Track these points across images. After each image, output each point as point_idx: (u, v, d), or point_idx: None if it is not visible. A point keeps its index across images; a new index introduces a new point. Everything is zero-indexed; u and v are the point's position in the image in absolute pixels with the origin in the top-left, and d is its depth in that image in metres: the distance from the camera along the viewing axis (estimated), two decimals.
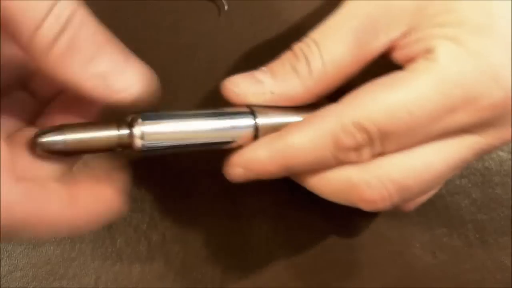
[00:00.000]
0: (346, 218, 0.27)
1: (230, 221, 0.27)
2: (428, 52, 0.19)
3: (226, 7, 0.26)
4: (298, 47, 0.21)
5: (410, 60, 0.20)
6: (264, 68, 0.21)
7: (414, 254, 0.26)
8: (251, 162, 0.21)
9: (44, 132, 0.17)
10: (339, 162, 0.20)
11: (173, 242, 0.27)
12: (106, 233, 0.27)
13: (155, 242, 0.26)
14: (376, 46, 0.20)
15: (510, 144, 0.27)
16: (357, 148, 0.19)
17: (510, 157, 0.27)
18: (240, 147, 0.21)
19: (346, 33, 0.20)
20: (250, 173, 0.21)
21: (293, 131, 0.20)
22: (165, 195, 0.26)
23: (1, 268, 0.27)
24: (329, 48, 0.20)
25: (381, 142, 0.19)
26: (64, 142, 0.17)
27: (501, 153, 0.27)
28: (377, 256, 0.26)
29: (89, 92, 0.17)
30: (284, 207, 0.27)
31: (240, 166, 0.21)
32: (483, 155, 0.21)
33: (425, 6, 0.19)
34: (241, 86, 0.21)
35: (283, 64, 0.21)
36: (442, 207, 0.27)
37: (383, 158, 0.20)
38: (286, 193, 0.27)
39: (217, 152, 0.23)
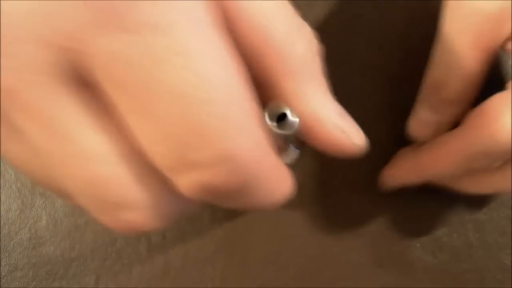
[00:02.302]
0: (346, 218, 0.27)
1: (230, 221, 0.27)
2: None
3: None
4: None
5: None
6: None
7: (414, 254, 0.26)
8: (397, 174, 0.25)
9: None
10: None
11: (173, 242, 0.27)
12: (106, 233, 0.27)
13: (155, 242, 0.26)
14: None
15: None
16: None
17: None
18: None
19: None
20: (396, 183, 0.25)
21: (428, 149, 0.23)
22: None
23: (1, 268, 0.27)
24: None
25: None
26: None
27: None
28: (377, 256, 0.26)
29: (334, 140, 0.16)
30: (284, 207, 0.27)
31: (389, 177, 0.26)
32: None
33: None
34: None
35: None
36: (442, 207, 0.27)
37: None
38: None
39: None
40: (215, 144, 0.11)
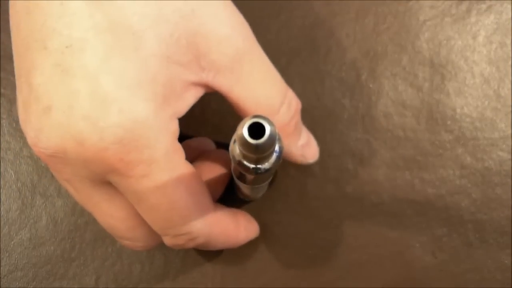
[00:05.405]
0: (346, 218, 0.27)
1: None
2: None
3: None
4: None
5: None
6: None
7: (414, 254, 0.26)
8: None
9: None
10: None
11: None
12: (106, 233, 0.27)
13: None
14: None
15: (510, 144, 0.27)
16: None
17: (510, 157, 0.27)
18: None
19: None
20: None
21: None
22: None
23: (1, 268, 0.27)
24: None
25: None
26: None
27: (501, 153, 0.27)
28: (377, 256, 0.26)
29: (295, 159, 0.23)
30: (285, 206, 0.27)
31: None
32: None
33: None
34: None
35: None
36: (442, 207, 0.27)
37: None
38: (287, 193, 0.27)
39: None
40: (179, 226, 0.19)
